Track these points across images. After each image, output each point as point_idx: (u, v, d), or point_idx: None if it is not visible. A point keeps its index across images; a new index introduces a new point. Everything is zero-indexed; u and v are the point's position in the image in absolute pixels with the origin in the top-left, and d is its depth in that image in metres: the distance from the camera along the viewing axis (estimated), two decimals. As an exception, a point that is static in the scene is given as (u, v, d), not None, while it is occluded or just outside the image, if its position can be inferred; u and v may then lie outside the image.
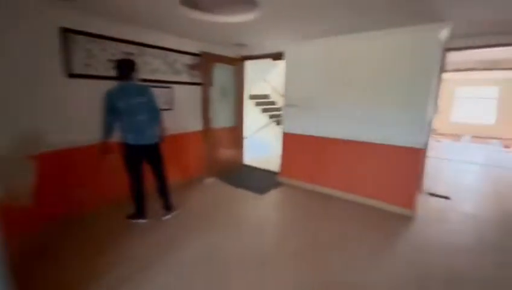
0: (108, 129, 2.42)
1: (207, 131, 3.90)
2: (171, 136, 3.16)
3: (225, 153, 4.44)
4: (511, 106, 8.82)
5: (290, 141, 3.85)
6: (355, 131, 3.19)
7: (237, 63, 4.33)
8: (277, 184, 3.91)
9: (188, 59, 3.60)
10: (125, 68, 2.40)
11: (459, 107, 9.78)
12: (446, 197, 3.44)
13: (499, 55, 5.33)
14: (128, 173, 2.55)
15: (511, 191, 3.93)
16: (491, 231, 2.68)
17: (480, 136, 9.05)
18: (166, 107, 3.33)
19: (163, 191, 2.74)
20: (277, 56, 3.94)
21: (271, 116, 6.56)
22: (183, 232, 2.52)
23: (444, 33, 2.57)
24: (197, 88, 3.79)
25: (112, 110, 2.35)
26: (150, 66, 3.13)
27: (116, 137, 2.46)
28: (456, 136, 9.11)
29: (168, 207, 2.78)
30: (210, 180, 3.97)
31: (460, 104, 9.76)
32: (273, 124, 6.46)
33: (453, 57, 4.76)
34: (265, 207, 3.18)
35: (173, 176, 3.64)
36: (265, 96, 6.94)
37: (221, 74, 4.18)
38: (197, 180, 3.91)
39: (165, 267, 2.04)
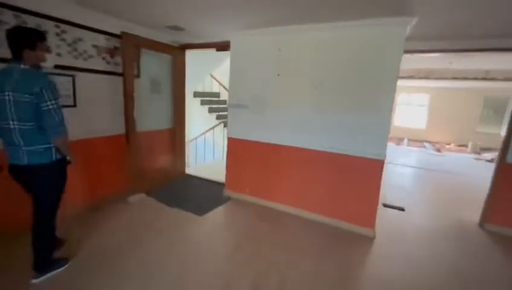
0: None
1: (131, 135, 3.05)
2: (75, 143, 2.26)
3: (159, 161, 3.63)
4: (438, 112, 9.80)
5: (237, 147, 3.25)
6: (310, 139, 2.75)
7: (175, 52, 3.56)
8: (222, 200, 3.27)
9: (102, 40, 2.71)
10: (11, 42, 1.53)
11: (400, 112, 10.52)
12: (401, 209, 3.26)
13: (434, 65, 5.64)
14: None
15: (450, 195, 4.01)
16: (446, 247, 2.50)
17: (416, 140, 9.86)
18: (66, 103, 2.41)
19: (35, 239, 1.73)
20: (222, 46, 3.30)
21: (218, 117, 5.89)
22: (77, 285, 1.71)
23: (408, 30, 2.27)
24: (117, 80, 2.91)
25: None
26: (35, 44, 2.18)
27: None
28: (398, 140, 9.74)
29: (38, 266, 1.75)
30: (137, 198, 3.13)
31: (401, 109, 10.50)
32: (221, 126, 5.79)
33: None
34: (202, 235, 2.51)
35: (82, 196, 2.72)
36: (213, 94, 6.24)
37: (152, 64, 3.36)
38: (118, 199, 3.03)
39: None
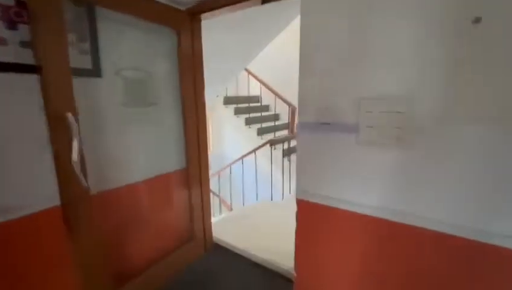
0: None
1: (77, 206, 1.34)
2: None
3: (158, 238, 1.90)
4: None
5: (321, 224, 1.34)
6: None
7: (179, 22, 1.81)
8: None
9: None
10: None
11: None
12: None
13: None
14: None
15: None
16: None
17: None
18: None
19: None
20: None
21: (260, 132, 4.05)
22: None
23: None
24: (27, 82, 1.21)
25: None
26: None
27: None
28: None
29: None
30: None
31: None
32: (267, 146, 3.93)
33: None
34: None
35: None
36: (251, 99, 4.46)
37: (131, 47, 1.65)
38: None
39: None
